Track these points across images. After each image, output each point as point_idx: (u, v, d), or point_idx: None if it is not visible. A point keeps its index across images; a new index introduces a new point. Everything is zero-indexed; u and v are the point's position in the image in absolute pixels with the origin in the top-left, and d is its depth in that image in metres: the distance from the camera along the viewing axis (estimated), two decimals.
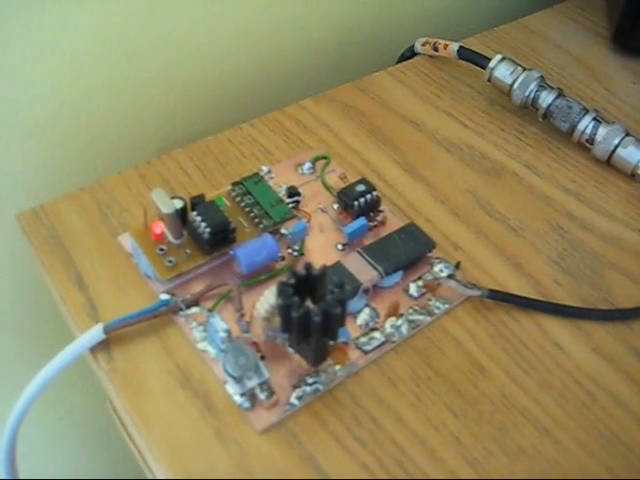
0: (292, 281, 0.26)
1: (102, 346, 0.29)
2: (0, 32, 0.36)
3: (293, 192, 0.35)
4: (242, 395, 0.27)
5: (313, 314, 0.25)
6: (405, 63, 0.47)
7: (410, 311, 0.31)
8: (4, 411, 0.31)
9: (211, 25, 0.44)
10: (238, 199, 0.33)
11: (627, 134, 0.39)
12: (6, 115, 0.39)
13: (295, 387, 0.28)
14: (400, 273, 0.32)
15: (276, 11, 0.46)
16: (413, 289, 0.32)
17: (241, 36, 0.46)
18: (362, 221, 0.33)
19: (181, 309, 0.30)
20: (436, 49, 0.46)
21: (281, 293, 0.25)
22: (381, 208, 0.35)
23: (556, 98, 0.41)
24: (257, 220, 0.33)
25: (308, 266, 0.26)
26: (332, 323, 0.26)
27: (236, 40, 0.46)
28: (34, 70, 0.38)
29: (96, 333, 0.29)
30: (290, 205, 0.34)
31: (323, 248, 0.33)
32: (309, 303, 0.26)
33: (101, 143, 0.44)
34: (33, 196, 0.42)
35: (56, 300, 0.32)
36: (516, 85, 0.42)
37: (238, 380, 0.27)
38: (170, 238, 0.31)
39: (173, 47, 0.43)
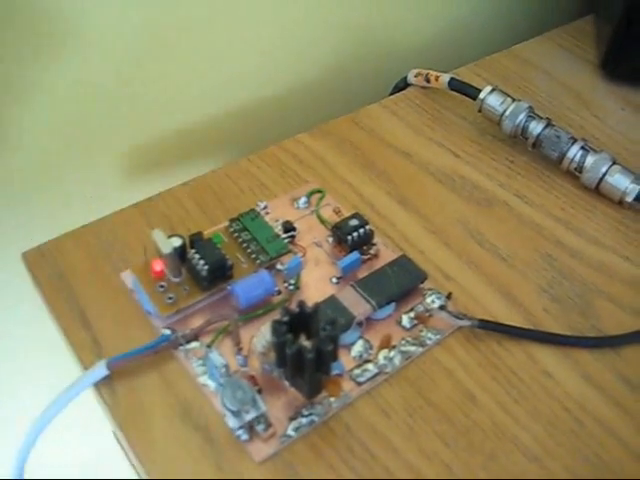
0: (285, 319, 0.27)
1: (105, 381, 0.30)
2: None
3: (289, 227, 0.36)
4: (240, 428, 0.28)
5: (306, 351, 0.26)
6: (398, 95, 0.49)
7: (402, 342, 0.32)
8: (8, 448, 0.32)
9: (206, 63, 0.45)
10: (235, 235, 0.35)
11: (614, 162, 0.40)
12: None
13: (291, 419, 0.29)
14: (393, 305, 0.33)
15: (269, 45, 0.47)
16: (405, 320, 0.33)
17: (236, 73, 0.47)
18: (355, 255, 0.34)
19: (181, 344, 0.31)
20: (428, 80, 0.48)
21: (275, 331, 0.26)
22: (374, 241, 0.36)
23: (545, 128, 0.42)
24: (254, 255, 0.34)
25: (301, 304, 0.27)
26: (325, 359, 0.27)
27: (231, 77, 0.47)
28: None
29: (99, 369, 0.30)
30: (286, 240, 0.35)
31: (318, 281, 0.34)
32: (303, 339, 0.27)
33: (100, 186, 0.45)
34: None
35: (60, 336, 0.33)
36: (506, 115, 0.43)
37: (236, 414, 0.28)
38: (170, 276, 0.32)
39: (167, 85, 0.44)
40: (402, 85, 0.50)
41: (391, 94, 0.50)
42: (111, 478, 0.63)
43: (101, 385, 0.30)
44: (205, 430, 0.29)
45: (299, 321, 0.27)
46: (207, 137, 0.49)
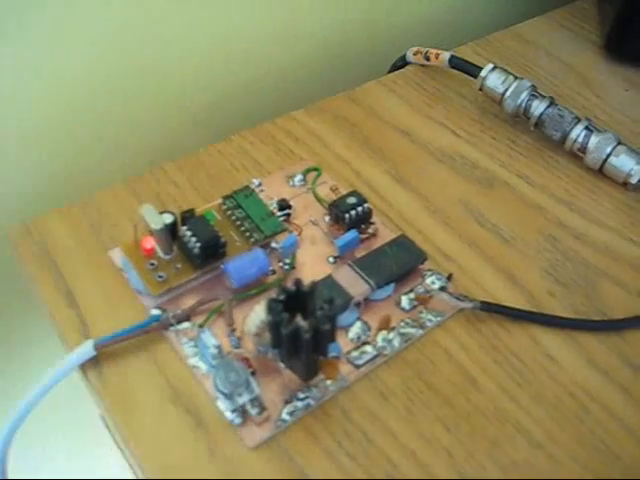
0: (282, 297, 0.26)
1: (92, 362, 0.29)
2: None
3: (284, 205, 0.35)
4: (233, 411, 0.27)
5: (303, 331, 0.25)
6: (397, 73, 0.47)
7: (402, 324, 0.31)
8: None
9: (202, 38, 0.44)
10: (229, 213, 0.33)
11: (619, 143, 0.39)
12: None
13: (286, 402, 0.28)
14: (392, 286, 0.32)
15: (267, 22, 0.46)
16: (405, 302, 0.32)
17: (232, 48, 0.46)
18: (353, 233, 0.33)
19: (172, 324, 0.30)
20: (428, 58, 0.46)
21: (271, 310, 0.25)
22: (372, 220, 0.34)
23: (547, 107, 0.41)
24: (248, 234, 0.32)
25: (298, 282, 0.26)
26: (322, 339, 0.26)
27: (227, 52, 0.46)
28: (23, 82, 0.38)
29: (86, 350, 0.29)
30: (281, 218, 0.34)
31: (314, 261, 0.33)
32: (299, 319, 0.26)
33: (91, 156, 0.44)
34: (23, 209, 0.42)
35: (46, 315, 0.32)
36: (507, 94, 0.42)
37: (229, 396, 0.27)
38: (160, 253, 0.31)
39: (164, 60, 0.43)
40: (400, 64, 0.49)
41: (389, 73, 0.48)
42: (111, 478, 0.63)
43: (88, 366, 0.29)
44: (196, 414, 0.28)
45: (295, 300, 0.26)
46: (200, 115, 0.47)
